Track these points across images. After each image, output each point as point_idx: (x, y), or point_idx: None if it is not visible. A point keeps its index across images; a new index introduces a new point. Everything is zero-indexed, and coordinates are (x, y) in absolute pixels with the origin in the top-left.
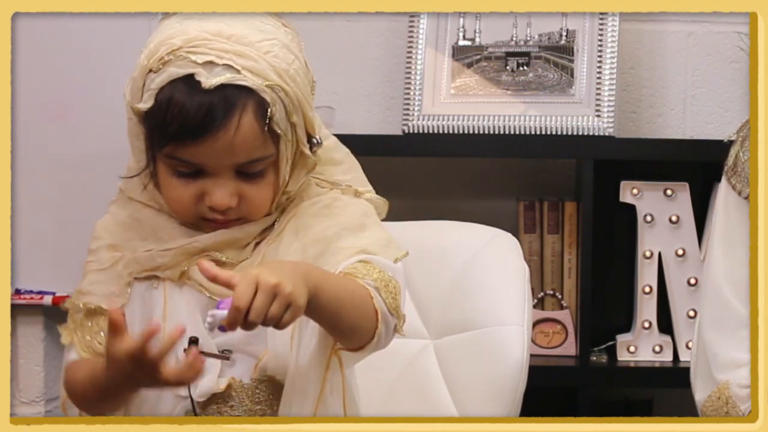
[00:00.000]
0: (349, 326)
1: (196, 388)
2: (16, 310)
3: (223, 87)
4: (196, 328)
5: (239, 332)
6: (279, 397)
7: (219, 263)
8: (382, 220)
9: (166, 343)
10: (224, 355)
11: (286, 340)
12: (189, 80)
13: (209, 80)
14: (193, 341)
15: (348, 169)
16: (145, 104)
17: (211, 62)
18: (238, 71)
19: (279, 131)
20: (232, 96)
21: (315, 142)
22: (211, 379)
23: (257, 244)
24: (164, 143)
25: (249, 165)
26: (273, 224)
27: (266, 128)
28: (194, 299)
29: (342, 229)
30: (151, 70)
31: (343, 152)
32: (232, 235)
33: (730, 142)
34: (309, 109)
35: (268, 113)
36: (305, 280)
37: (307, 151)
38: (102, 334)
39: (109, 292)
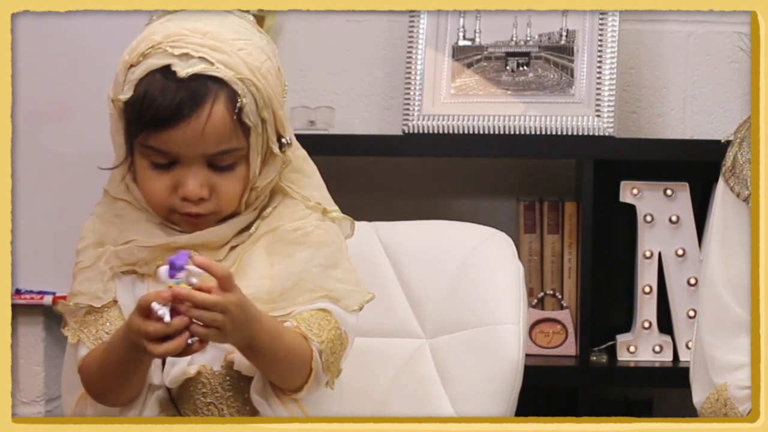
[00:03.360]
0: (278, 377)
1: (168, 375)
2: (16, 310)
3: (197, 77)
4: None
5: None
6: (249, 386)
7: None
8: (379, 220)
9: (150, 295)
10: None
11: None
12: (166, 71)
13: (184, 70)
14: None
15: (317, 185)
16: (125, 95)
17: (186, 54)
18: (212, 63)
19: (249, 123)
20: (205, 86)
21: (284, 142)
22: (182, 366)
23: (233, 247)
24: (140, 131)
25: (220, 156)
26: (248, 226)
27: (237, 119)
28: None
29: (315, 265)
30: (131, 65)
31: (312, 167)
32: (207, 238)
33: (727, 143)
34: (279, 108)
35: (239, 104)
36: (248, 327)
37: (276, 149)
38: (108, 323)
39: (96, 289)
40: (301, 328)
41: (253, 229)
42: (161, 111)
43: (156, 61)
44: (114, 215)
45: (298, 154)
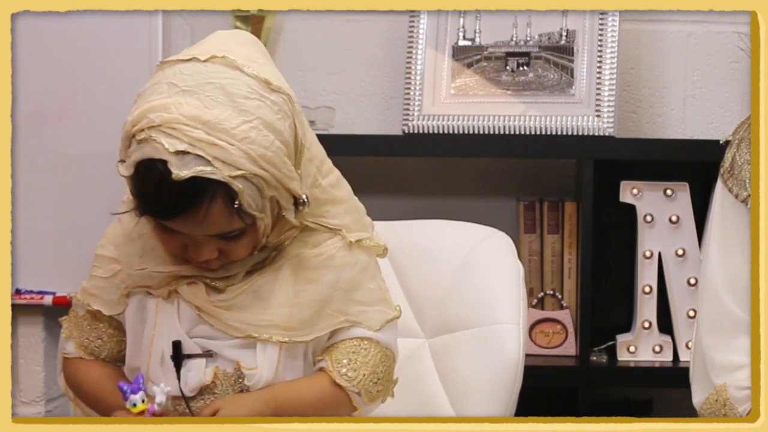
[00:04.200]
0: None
1: (185, 384)
2: (16, 310)
3: (193, 178)
4: (181, 334)
5: (224, 341)
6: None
7: (209, 287)
8: (379, 220)
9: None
10: (208, 353)
11: (272, 364)
12: (163, 164)
13: (179, 171)
14: (176, 344)
15: (348, 209)
16: (127, 171)
17: (183, 152)
18: (209, 162)
19: (252, 212)
20: (201, 187)
21: (301, 203)
22: (198, 373)
23: (248, 272)
24: (143, 211)
25: (224, 233)
26: (264, 259)
27: (236, 211)
28: (184, 310)
29: (337, 289)
30: (134, 136)
31: (345, 190)
32: (218, 274)
33: (726, 144)
34: (290, 181)
35: (236, 204)
36: (257, 402)
37: (290, 216)
38: (99, 341)
39: (110, 299)
40: (333, 374)
41: (269, 260)
42: (159, 205)
43: (153, 153)
44: (136, 232)
45: (325, 183)
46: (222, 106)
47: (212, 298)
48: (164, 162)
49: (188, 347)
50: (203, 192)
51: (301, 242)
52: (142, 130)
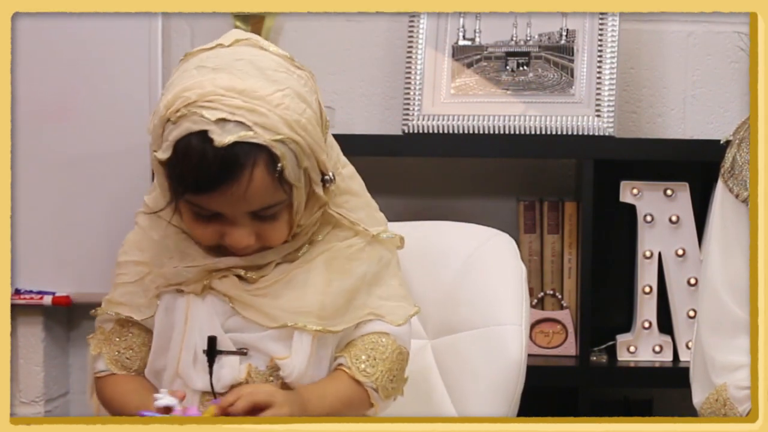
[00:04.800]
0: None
1: (218, 381)
2: (16, 310)
3: (235, 144)
4: (216, 330)
5: (257, 333)
6: (290, 386)
7: (241, 278)
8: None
9: None
10: (241, 351)
11: (305, 353)
12: (203, 135)
13: (222, 138)
14: (212, 339)
15: (363, 204)
16: (164, 154)
17: (223, 119)
18: (249, 128)
19: (291, 180)
20: (244, 153)
21: (328, 179)
22: (232, 370)
23: (277, 264)
24: (182, 192)
25: (263, 210)
26: (294, 248)
27: (278, 178)
28: (216, 305)
29: (365, 283)
30: (169, 119)
31: (359, 184)
32: (253, 261)
33: (726, 144)
34: (321, 152)
35: (279, 166)
36: (293, 405)
37: (320, 191)
38: (130, 351)
39: (139, 303)
40: (353, 370)
41: (300, 252)
42: (201, 178)
43: (193, 126)
44: (161, 238)
45: (344, 173)
46: (254, 78)
47: (247, 287)
48: (204, 133)
49: (223, 343)
50: (246, 157)
51: (332, 236)
52: (178, 110)
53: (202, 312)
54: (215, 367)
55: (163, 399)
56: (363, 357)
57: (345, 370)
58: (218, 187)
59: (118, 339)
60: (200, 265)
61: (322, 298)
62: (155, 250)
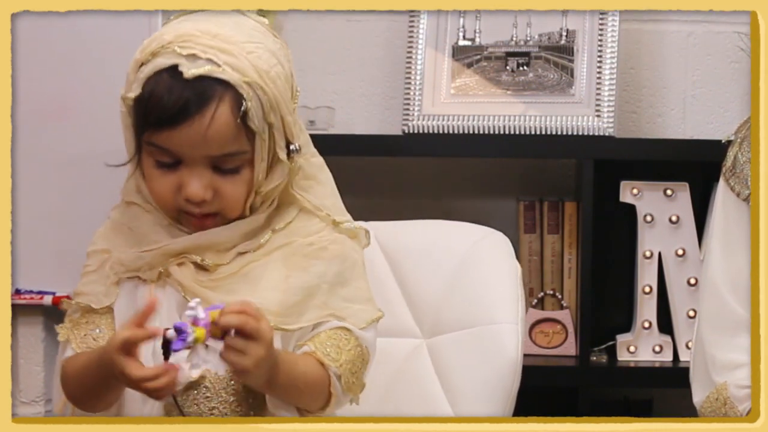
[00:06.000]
0: (297, 403)
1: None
2: (16, 310)
3: (202, 78)
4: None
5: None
6: (252, 392)
7: (198, 266)
8: (378, 220)
9: (142, 332)
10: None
11: None
12: (173, 71)
13: (190, 70)
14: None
15: (330, 193)
16: (132, 93)
17: (194, 55)
18: (218, 65)
19: (254, 127)
20: (210, 87)
21: (293, 149)
22: (185, 371)
23: (240, 253)
24: (145, 129)
25: (223, 159)
26: (257, 237)
27: (241, 123)
28: (173, 298)
29: (325, 281)
30: (142, 63)
31: (327, 176)
32: (210, 239)
33: (728, 143)
34: (288, 113)
35: (243, 107)
36: (270, 369)
37: (282, 155)
38: (97, 330)
39: (98, 291)
40: (318, 353)
41: (263, 239)
42: (166, 110)
43: (164, 61)
44: (126, 225)
45: (314, 161)
46: (230, 29)
47: (200, 277)
48: (174, 67)
49: None
50: (212, 93)
51: (293, 231)
52: (152, 51)
53: (163, 303)
54: (171, 362)
55: (197, 309)
56: (328, 343)
57: (310, 353)
58: (180, 122)
59: (84, 322)
60: (157, 248)
61: (277, 295)
62: (119, 238)
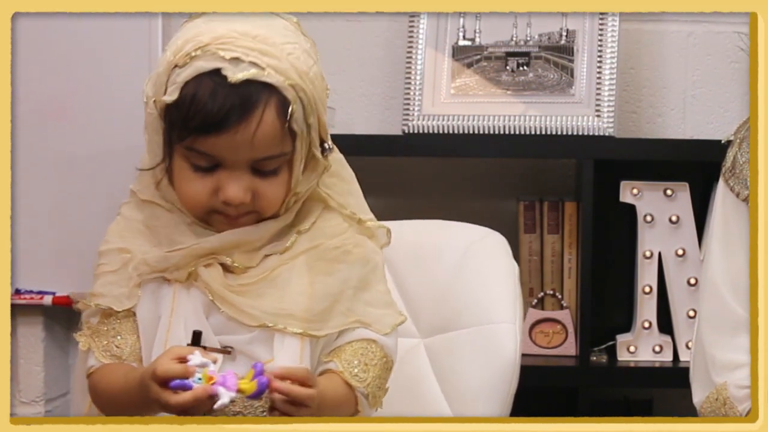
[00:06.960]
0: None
1: None
2: (16, 310)
3: (247, 83)
4: (201, 324)
5: (244, 333)
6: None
7: (226, 267)
8: (379, 220)
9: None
10: (226, 349)
11: (293, 357)
12: (215, 75)
13: (235, 75)
14: (197, 334)
15: (354, 191)
16: (170, 97)
17: (237, 58)
18: (262, 68)
19: (297, 129)
20: (256, 92)
21: (326, 147)
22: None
23: (266, 256)
24: (186, 135)
25: (265, 161)
26: (284, 238)
27: (286, 126)
28: (200, 299)
29: (349, 287)
30: (176, 65)
31: (349, 172)
32: (240, 238)
33: (728, 143)
34: (323, 113)
35: (289, 111)
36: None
37: (319, 154)
38: (119, 337)
39: (119, 293)
40: (345, 374)
41: (289, 242)
42: (210, 116)
43: (205, 64)
44: (144, 224)
45: (336, 157)
46: (266, 29)
47: (229, 281)
48: (217, 71)
49: (208, 339)
50: (259, 96)
51: (319, 231)
52: (189, 53)
53: (188, 304)
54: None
55: (197, 358)
56: (355, 362)
57: (337, 373)
58: (227, 127)
59: (105, 329)
60: (184, 248)
61: (303, 300)
62: (139, 238)
